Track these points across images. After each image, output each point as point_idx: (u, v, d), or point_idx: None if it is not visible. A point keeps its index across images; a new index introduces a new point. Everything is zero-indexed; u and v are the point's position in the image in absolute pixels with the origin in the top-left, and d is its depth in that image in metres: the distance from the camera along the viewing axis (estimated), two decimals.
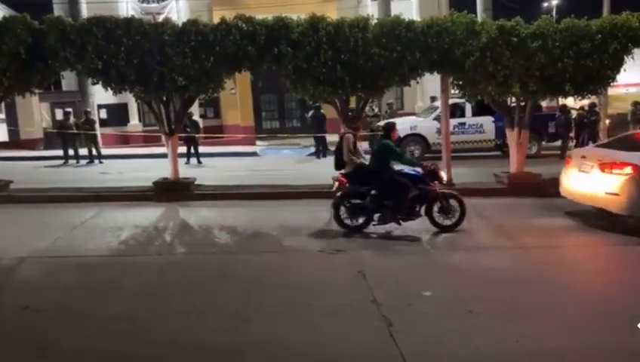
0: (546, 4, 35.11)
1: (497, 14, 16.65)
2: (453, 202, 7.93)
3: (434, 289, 5.64)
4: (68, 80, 21.12)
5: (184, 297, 5.51)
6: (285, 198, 10.52)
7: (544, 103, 16.02)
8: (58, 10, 20.07)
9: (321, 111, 16.60)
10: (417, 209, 7.86)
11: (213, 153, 17.35)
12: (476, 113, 15.67)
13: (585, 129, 16.10)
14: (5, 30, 9.57)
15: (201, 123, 18.84)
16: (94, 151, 16.40)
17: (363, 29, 10.05)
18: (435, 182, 7.92)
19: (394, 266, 6.59)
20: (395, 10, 14.42)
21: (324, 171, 12.85)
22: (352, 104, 11.32)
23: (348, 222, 7.90)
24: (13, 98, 14.12)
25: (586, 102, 14.68)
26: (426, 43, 10.07)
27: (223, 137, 20.06)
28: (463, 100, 14.36)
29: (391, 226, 7.88)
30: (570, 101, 14.19)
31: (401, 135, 15.77)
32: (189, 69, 9.89)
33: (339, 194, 7.96)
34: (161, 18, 13.57)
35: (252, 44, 9.94)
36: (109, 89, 10.43)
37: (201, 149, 16.49)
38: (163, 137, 11.07)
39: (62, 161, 16.33)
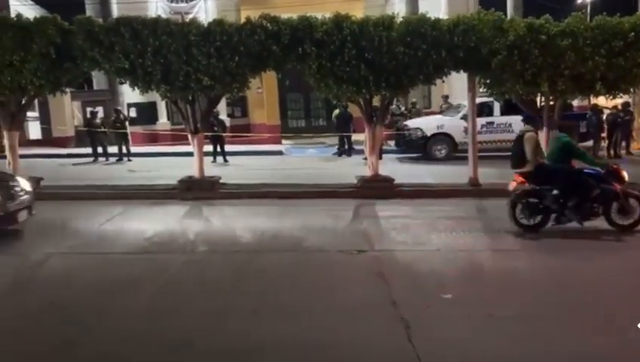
0: (580, 1, 34.22)
1: (528, 12, 16.34)
2: (633, 202, 7.74)
3: (453, 291, 5.56)
4: (98, 79, 21.54)
5: (205, 295, 5.56)
6: (309, 197, 10.51)
7: (575, 103, 15.65)
8: (90, 10, 20.48)
9: (348, 110, 16.53)
10: (597, 208, 7.74)
11: (239, 151, 17.47)
12: (505, 112, 15.38)
13: (618, 129, 15.68)
14: (36, 30, 9.79)
15: (227, 122, 18.99)
16: (124, 150, 16.67)
17: (388, 28, 9.97)
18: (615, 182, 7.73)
19: (413, 267, 6.53)
20: (423, 7, 14.33)
21: (348, 170, 12.92)
22: (377, 102, 11.23)
23: (524, 221, 7.85)
24: (46, 97, 14.53)
25: (619, 101, 14.29)
26: (451, 41, 9.94)
27: (248, 136, 20.16)
28: (491, 99, 14.13)
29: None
30: (602, 100, 13.83)
31: (428, 134, 15.74)
32: (214, 69, 9.97)
33: (516, 192, 7.91)
34: (189, 17, 13.76)
35: (276, 43, 9.96)
36: (135, 88, 10.58)
37: (228, 148, 16.61)
38: (189, 136, 11.18)
39: (91, 159, 16.66)
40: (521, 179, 7.91)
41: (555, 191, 7.62)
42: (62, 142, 20.55)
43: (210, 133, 14.72)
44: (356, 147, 16.69)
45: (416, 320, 4.81)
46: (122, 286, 5.82)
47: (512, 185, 8.03)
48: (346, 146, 17.07)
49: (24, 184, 8.20)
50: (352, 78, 10.06)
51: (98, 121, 16.94)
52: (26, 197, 7.98)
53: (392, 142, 17.43)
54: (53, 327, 4.82)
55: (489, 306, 5.15)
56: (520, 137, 8.06)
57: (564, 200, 7.63)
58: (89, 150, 17.07)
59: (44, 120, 21.63)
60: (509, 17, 11.48)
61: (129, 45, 9.84)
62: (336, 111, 17.12)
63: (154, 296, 5.57)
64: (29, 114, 18.19)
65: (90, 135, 16.87)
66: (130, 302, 5.38)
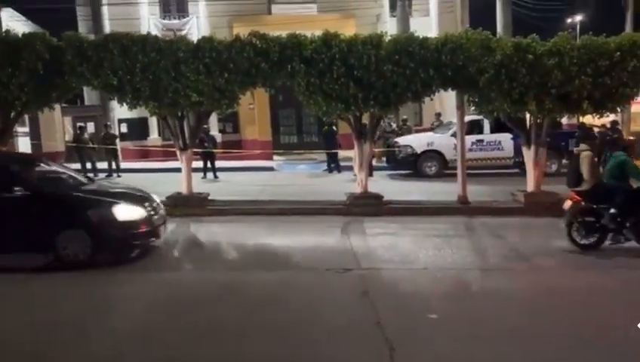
0: (569, 20, 34.67)
1: (518, 31, 16.51)
2: None
3: (439, 312, 5.51)
4: (90, 95, 21.54)
5: (189, 314, 5.49)
6: (298, 214, 10.46)
7: (564, 120, 15.74)
8: (82, 26, 20.56)
9: (334, 127, 16.63)
10: None
11: (230, 168, 17.42)
12: (494, 130, 15.45)
13: (606, 147, 15.75)
14: (24, 46, 9.75)
15: (218, 138, 18.96)
16: (114, 165, 16.58)
17: (376, 46, 10.02)
18: None
19: (400, 286, 6.48)
20: (414, 26, 14.40)
21: (338, 187, 12.90)
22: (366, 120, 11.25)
23: (580, 240, 7.80)
24: (35, 112, 14.45)
25: (607, 119, 14.39)
26: (439, 60, 10.00)
27: (239, 152, 20.15)
28: (481, 117, 14.19)
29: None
30: (590, 118, 13.92)
31: (418, 151, 15.77)
32: (203, 85, 9.97)
33: (572, 211, 7.89)
34: (181, 34, 13.80)
35: (265, 60, 10.00)
36: (124, 104, 10.55)
37: (219, 164, 16.56)
38: (177, 152, 11.13)
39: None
40: (577, 197, 7.92)
41: (612, 210, 7.59)
42: (51, 158, 20.35)
43: (200, 150, 14.68)
44: (345, 163, 16.76)
45: (400, 340, 4.76)
46: (98, 307, 5.74)
47: (567, 204, 8.03)
48: (333, 164, 17.15)
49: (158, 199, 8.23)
50: (341, 95, 10.08)
51: (86, 136, 16.86)
52: (163, 212, 7.98)
53: (384, 158, 17.45)
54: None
55: (475, 326, 5.11)
56: (576, 156, 8.10)
57: (622, 218, 7.61)
58: (79, 165, 16.95)
59: (34, 135, 21.51)
60: (498, 36, 11.56)
61: (118, 61, 9.83)
62: (325, 128, 17.24)
63: (134, 315, 5.49)
64: (20, 129, 18.08)
65: (78, 150, 16.77)
66: (108, 321, 5.30)
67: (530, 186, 10.99)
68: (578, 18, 35.01)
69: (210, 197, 11.38)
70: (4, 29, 10.48)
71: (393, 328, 5.02)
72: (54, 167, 8.59)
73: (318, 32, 10.35)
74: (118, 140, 17.23)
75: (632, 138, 17.75)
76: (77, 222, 7.07)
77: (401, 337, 4.84)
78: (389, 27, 19.17)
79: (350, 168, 16.21)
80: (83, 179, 8.32)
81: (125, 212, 7.27)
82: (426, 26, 20.06)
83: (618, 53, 9.72)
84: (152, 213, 7.60)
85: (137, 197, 7.83)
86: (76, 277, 6.72)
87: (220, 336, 4.94)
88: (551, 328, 5.07)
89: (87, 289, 6.34)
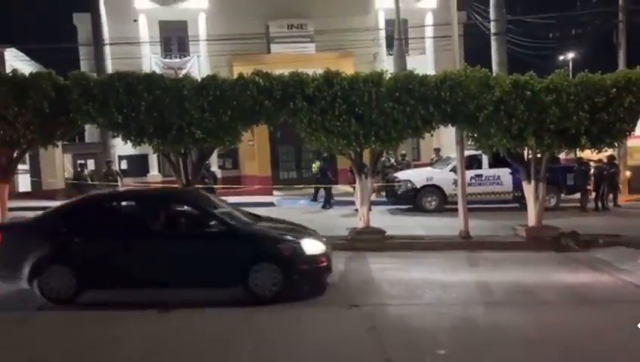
0: (561, 58, 35.40)
1: (513, 68, 16.86)
2: None
3: (448, 347, 5.50)
4: (90, 132, 21.71)
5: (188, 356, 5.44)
6: None
7: (562, 156, 15.95)
8: (85, 65, 20.88)
9: (325, 162, 17.16)
10: None
11: (231, 203, 17.41)
12: (493, 165, 15.61)
13: (604, 181, 15.93)
14: (31, 86, 9.90)
15: (219, 173, 19.06)
16: None
17: (377, 84, 10.22)
18: None
19: (407, 322, 6.46)
20: (411, 64, 14.73)
21: (338, 222, 12.94)
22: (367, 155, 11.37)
23: None
24: (37, 150, 14.56)
25: (605, 154, 14.58)
26: (439, 97, 10.17)
27: (239, 188, 20.22)
28: (479, 152, 14.36)
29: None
30: (588, 153, 14.11)
31: (418, 186, 15.88)
32: (207, 123, 10.09)
33: None
34: (182, 73, 14.03)
35: (269, 98, 10.15)
36: (128, 141, 10.65)
37: None
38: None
39: None
40: None
41: None
42: (52, 195, 20.43)
43: (201, 185, 14.74)
44: (339, 198, 17.02)
45: None
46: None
47: None
48: (319, 197, 17.35)
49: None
50: (343, 132, 10.22)
51: (86, 173, 16.92)
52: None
53: (383, 193, 17.53)
54: None
55: (483, 361, 5.09)
56: None
57: None
58: None
59: (34, 172, 21.59)
60: (494, 74, 11.80)
61: (123, 100, 9.96)
62: (318, 164, 17.50)
63: None
64: (19, 166, 18.16)
65: (77, 188, 16.79)
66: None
67: (531, 221, 11.05)
68: (570, 55, 35.81)
69: None
70: (9, 69, 10.61)
71: None
72: (222, 205, 8.69)
73: (320, 71, 10.55)
74: (119, 177, 17.21)
75: (628, 173, 18.01)
76: (269, 255, 7.24)
77: None
78: (387, 65, 19.45)
79: (343, 203, 16.39)
80: (249, 218, 8.27)
81: (311, 246, 7.47)
82: (423, 63, 20.46)
83: (614, 89, 9.94)
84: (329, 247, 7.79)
85: (309, 233, 8.06)
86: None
87: None
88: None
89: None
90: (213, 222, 7.38)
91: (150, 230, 7.53)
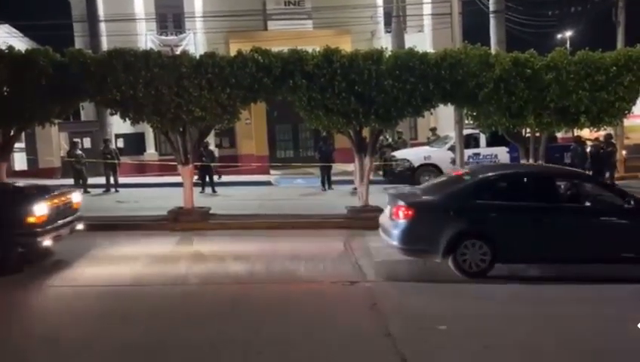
0: (559, 36, 35.19)
1: (511, 46, 16.75)
2: None
3: (447, 322, 5.57)
4: (87, 110, 21.57)
5: (197, 328, 5.49)
6: (299, 228, 10.50)
7: (559, 134, 15.97)
8: (79, 43, 20.67)
9: (327, 143, 16.66)
10: None
11: (228, 182, 17.47)
12: (490, 144, 15.65)
13: (601, 160, 15.97)
14: (28, 62, 9.80)
15: (216, 152, 19.01)
16: (112, 180, 16.53)
17: (377, 61, 10.15)
18: None
19: (407, 298, 6.53)
20: (409, 42, 14.60)
21: (337, 201, 12.97)
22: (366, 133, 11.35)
23: None
24: (33, 128, 14.45)
25: (601, 133, 14.61)
26: (439, 75, 10.13)
27: (236, 166, 20.21)
28: (477, 131, 14.37)
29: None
30: (585, 132, 14.15)
31: (415, 165, 15.91)
32: (206, 101, 10.04)
33: None
34: (179, 50, 13.88)
35: (267, 76, 10.08)
36: (126, 119, 10.59)
37: (217, 178, 16.60)
38: (178, 166, 11.17)
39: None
40: None
41: None
42: (48, 173, 20.38)
43: (199, 163, 14.71)
44: (337, 178, 16.91)
45: (412, 352, 4.80)
46: (112, 320, 5.76)
47: None
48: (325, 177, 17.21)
49: None
50: (343, 110, 10.19)
51: (79, 152, 16.75)
52: None
53: (380, 172, 17.55)
54: None
55: (485, 337, 5.16)
56: None
57: None
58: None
59: (31, 151, 21.48)
60: (493, 52, 11.76)
61: (121, 77, 9.89)
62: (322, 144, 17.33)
63: (146, 330, 5.48)
64: (16, 145, 18.05)
65: (72, 166, 16.67)
66: (122, 335, 5.31)
67: None
68: (568, 34, 35.58)
69: (211, 212, 11.41)
70: (3, 46, 10.46)
71: (404, 340, 5.08)
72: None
73: (318, 48, 10.48)
74: (117, 156, 17.07)
75: (624, 152, 18.07)
76: None
77: (413, 349, 4.89)
78: (384, 43, 19.34)
79: (342, 183, 16.38)
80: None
81: None
82: (421, 41, 20.12)
83: (614, 67, 9.94)
84: None
85: None
86: None
87: (228, 349, 4.96)
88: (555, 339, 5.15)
89: None
90: (627, 198, 7.39)
91: (567, 207, 7.65)
